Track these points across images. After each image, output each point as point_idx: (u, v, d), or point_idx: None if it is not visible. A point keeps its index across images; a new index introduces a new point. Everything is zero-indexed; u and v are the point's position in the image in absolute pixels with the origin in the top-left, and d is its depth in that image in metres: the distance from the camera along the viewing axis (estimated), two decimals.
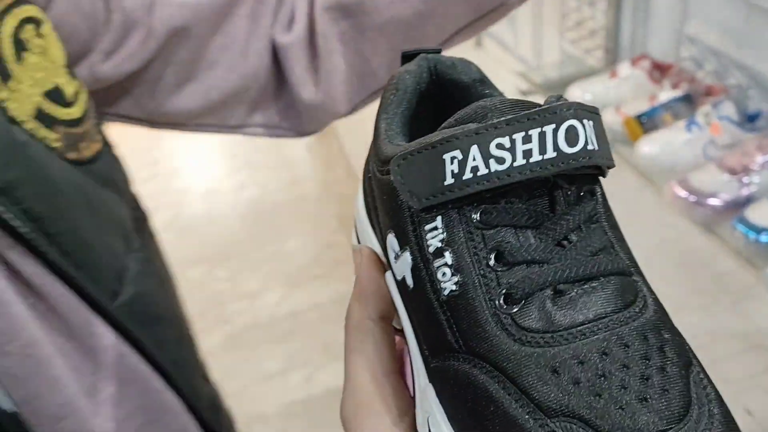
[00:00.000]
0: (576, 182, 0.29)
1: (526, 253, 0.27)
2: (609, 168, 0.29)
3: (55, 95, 0.48)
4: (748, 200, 1.08)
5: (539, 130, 0.27)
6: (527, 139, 0.27)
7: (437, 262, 0.29)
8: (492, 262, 0.28)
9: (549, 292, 0.27)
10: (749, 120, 1.19)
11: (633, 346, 0.26)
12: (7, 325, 0.41)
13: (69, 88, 0.49)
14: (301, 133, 0.66)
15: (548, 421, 0.25)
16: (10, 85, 0.44)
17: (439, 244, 0.29)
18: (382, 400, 0.31)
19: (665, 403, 0.25)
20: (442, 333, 0.29)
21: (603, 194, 0.30)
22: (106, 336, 0.48)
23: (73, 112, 0.49)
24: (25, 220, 0.43)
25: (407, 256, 0.30)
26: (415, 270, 0.30)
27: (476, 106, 0.29)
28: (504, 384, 0.26)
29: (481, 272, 0.28)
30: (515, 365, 0.26)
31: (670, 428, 0.24)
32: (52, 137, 0.47)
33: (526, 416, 0.25)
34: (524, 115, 0.27)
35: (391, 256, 0.32)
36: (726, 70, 1.28)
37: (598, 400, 0.25)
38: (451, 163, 0.27)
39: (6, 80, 0.44)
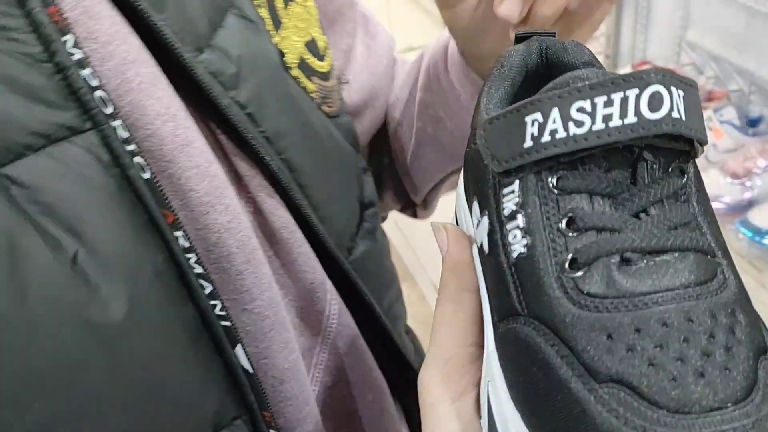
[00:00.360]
0: (663, 156, 0.28)
1: (598, 220, 0.27)
2: (701, 144, 0.28)
3: (312, 47, 0.49)
4: (750, 203, 1.09)
5: (622, 94, 0.26)
6: (609, 103, 0.26)
7: (510, 225, 0.29)
8: (563, 227, 0.28)
9: (616, 259, 0.27)
10: (751, 124, 1.19)
11: (698, 321, 0.25)
12: (254, 283, 0.40)
13: (321, 42, 0.51)
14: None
15: (596, 385, 0.25)
16: (281, 32, 0.45)
17: (514, 207, 0.29)
18: (464, 367, 0.32)
19: (724, 381, 0.24)
20: (509, 296, 0.29)
21: (697, 174, 0.29)
22: (333, 301, 0.48)
23: (324, 66, 0.50)
24: (284, 169, 0.43)
25: (486, 221, 0.31)
26: (491, 234, 0.30)
27: (569, 76, 0.29)
28: (559, 347, 0.26)
29: (551, 236, 0.28)
30: (571, 328, 0.26)
31: (726, 407, 0.23)
32: (311, 88, 0.48)
33: (576, 379, 0.25)
34: (609, 80, 0.27)
35: (475, 224, 0.33)
36: (727, 75, 1.28)
37: (650, 369, 0.24)
38: (532, 125, 0.28)
39: (277, 27, 0.45)
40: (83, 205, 0.34)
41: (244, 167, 0.42)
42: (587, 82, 0.27)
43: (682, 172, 0.29)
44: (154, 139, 0.36)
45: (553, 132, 0.27)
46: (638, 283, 0.26)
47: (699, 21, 1.35)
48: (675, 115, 0.27)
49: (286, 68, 0.46)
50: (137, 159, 0.35)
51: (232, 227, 0.39)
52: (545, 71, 0.36)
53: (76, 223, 0.33)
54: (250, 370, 0.40)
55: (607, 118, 0.27)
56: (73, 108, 0.34)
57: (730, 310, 0.26)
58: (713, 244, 0.28)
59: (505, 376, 0.29)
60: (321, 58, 0.50)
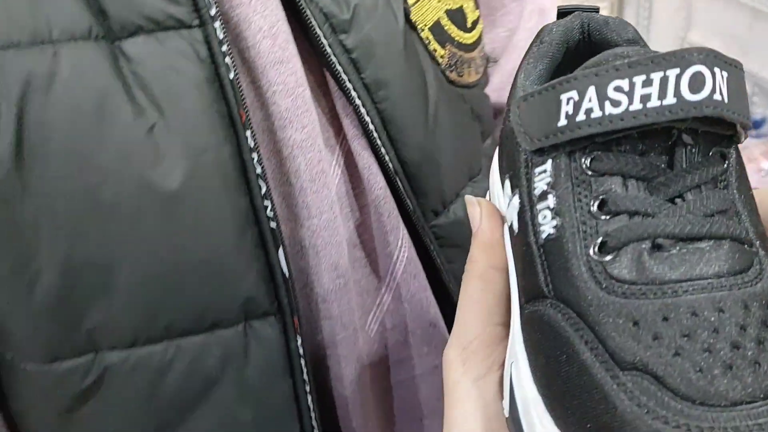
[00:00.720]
0: (703, 140, 0.27)
1: (630, 204, 0.26)
2: (744, 128, 0.27)
3: (457, 16, 0.51)
4: None
5: (662, 74, 0.25)
6: (647, 83, 0.25)
7: (540, 205, 0.29)
8: (594, 209, 0.27)
9: (647, 244, 0.26)
10: (754, 126, 1.16)
11: (730, 312, 0.24)
12: (314, 202, 0.44)
13: (471, 15, 0.52)
14: None
15: (620, 372, 0.24)
16: None
17: (545, 187, 0.28)
18: (489, 347, 0.32)
19: (753, 375, 0.23)
20: (536, 277, 0.28)
21: (738, 160, 0.28)
22: (404, 248, 0.49)
23: (467, 38, 0.52)
24: (377, 117, 0.45)
25: (516, 200, 0.30)
26: (520, 213, 0.30)
27: (609, 53, 0.28)
28: (583, 332, 0.26)
29: (582, 218, 0.27)
30: (597, 313, 0.25)
31: (755, 401, 0.23)
32: (440, 52, 0.50)
33: (599, 366, 0.24)
34: (648, 58, 0.26)
35: (506, 202, 0.32)
36: None
37: (676, 359, 0.23)
38: (567, 103, 0.27)
39: None
40: (172, 87, 0.39)
41: (342, 106, 0.46)
42: (626, 60, 0.26)
43: (723, 158, 0.28)
44: (252, 51, 0.41)
45: (589, 111, 0.27)
46: (669, 271, 0.25)
47: (701, 22, 1.32)
48: (717, 97, 0.25)
49: (413, 26, 0.48)
50: (227, 59, 0.39)
51: (305, 146, 0.43)
52: (587, 48, 0.35)
53: (162, 100, 0.39)
54: (287, 275, 0.43)
55: (645, 99, 0.26)
56: (187, 4, 0.39)
57: (764, 302, 0.25)
58: (751, 234, 0.27)
59: (529, 359, 0.28)
60: (466, 30, 0.52)
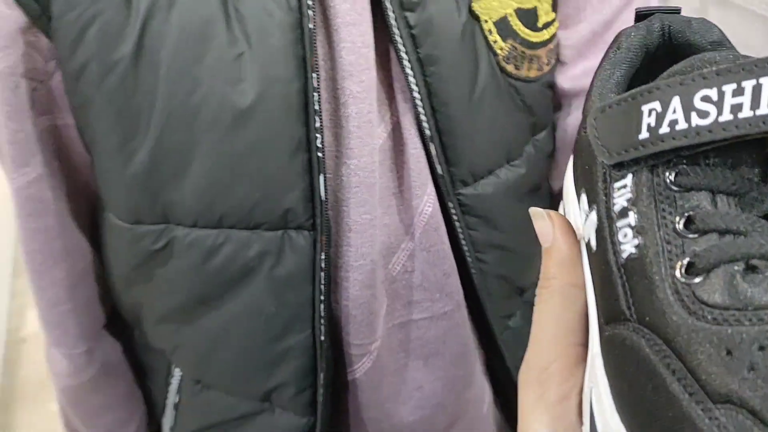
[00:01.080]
0: None
1: (720, 221, 0.25)
2: None
3: (527, 16, 0.55)
4: None
5: (754, 81, 0.23)
6: (738, 92, 0.24)
7: (620, 222, 0.27)
8: (680, 227, 0.25)
9: (740, 266, 0.24)
10: None
11: None
12: (357, 145, 0.51)
13: (544, 17, 0.57)
14: None
15: (713, 406, 0.22)
16: None
17: (625, 204, 0.27)
18: (568, 370, 0.30)
19: None
20: (616, 299, 0.27)
21: None
22: (429, 202, 0.56)
23: (533, 36, 0.56)
24: (423, 88, 0.52)
25: (594, 216, 0.29)
26: (599, 230, 0.28)
27: (694, 59, 0.26)
28: (670, 360, 0.24)
29: (666, 237, 0.25)
30: (686, 341, 0.24)
31: None
32: (500, 45, 0.54)
33: (689, 398, 0.23)
34: (739, 65, 0.24)
35: (582, 217, 0.31)
36: None
37: None
38: (649, 115, 0.25)
39: None
40: (263, 26, 0.47)
41: (396, 73, 0.52)
42: (714, 68, 0.25)
43: None
44: (332, 10, 0.48)
45: (673, 123, 0.25)
46: (765, 295, 0.23)
47: None
48: None
49: (476, 17, 0.53)
50: (310, 12, 0.47)
51: (359, 97, 0.50)
52: (668, 51, 0.33)
53: (252, 35, 0.47)
54: (323, 198, 0.51)
55: (735, 109, 0.24)
56: None
57: None
58: None
59: (610, 384, 0.27)
60: (535, 29, 0.56)
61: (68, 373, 0.61)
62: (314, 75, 0.48)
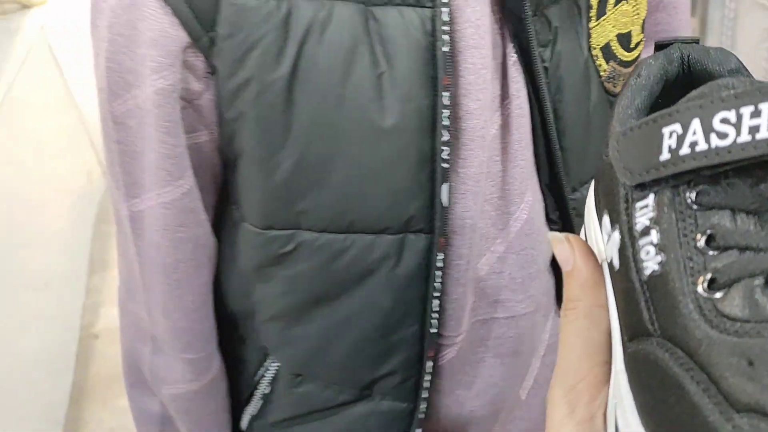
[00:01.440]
0: None
1: (741, 238, 0.25)
2: None
3: (624, 39, 0.62)
4: None
5: None
6: (756, 114, 0.25)
7: (642, 241, 0.28)
8: (701, 245, 0.26)
9: (760, 281, 0.25)
10: None
11: None
12: (472, 153, 0.55)
13: (635, 38, 0.64)
14: None
15: (735, 415, 0.23)
16: (600, 20, 0.60)
17: (647, 222, 0.28)
18: (595, 388, 0.31)
19: None
20: (640, 315, 0.28)
21: None
22: (524, 210, 0.61)
23: (628, 56, 0.64)
24: (551, 115, 0.58)
25: (616, 236, 0.30)
26: (621, 249, 0.29)
27: (712, 84, 0.27)
28: (694, 372, 0.25)
29: (688, 254, 0.26)
30: (709, 352, 0.24)
31: None
32: (605, 67, 0.62)
33: (712, 407, 0.23)
34: (756, 88, 0.25)
35: (605, 238, 0.31)
36: None
37: None
38: (669, 137, 0.26)
39: (600, 17, 0.60)
40: (401, 48, 0.51)
41: (514, 90, 0.57)
42: (732, 91, 0.26)
43: None
44: (458, 34, 0.52)
45: (693, 144, 0.26)
46: None
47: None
48: None
49: (589, 46, 0.60)
50: (445, 36, 0.51)
51: (474, 114, 0.53)
52: (687, 80, 0.34)
53: (392, 56, 0.51)
54: (446, 204, 0.54)
55: (753, 130, 0.25)
56: None
57: None
58: None
59: (635, 399, 0.27)
60: (629, 50, 0.63)
61: (189, 379, 0.63)
62: (445, 94, 0.52)
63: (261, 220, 0.56)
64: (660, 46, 0.35)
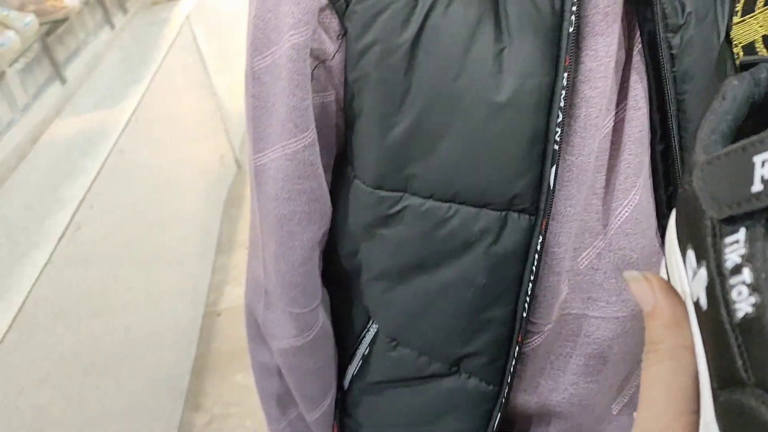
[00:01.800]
0: None
1: None
2: None
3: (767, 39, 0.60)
4: None
5: None
6: None
7: (733, 280, 0.25)
8: None
9: None
10: None
11: None
12: (584, 138, 0.55)
13: None
14: None
15: None
16: (747, 17, 0.59)
17: (738, 260, 0.25)
18: None
19: None
20: (731, 361, 0.25)
21: None
22: (626, 209, 0.59)
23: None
24: (674, 108, 0.55)
25: (703, 273, 0.27)
26: (709, 288, 0.26)
27: None
28: None
29: None
30: None
31: None
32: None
33: None
34: None
35: (690, 275, 0.29)
36: None
37: None
38: (762, 166, 0.24)
39: (746, 13, 0.59)
40: (527, 25, 0.51)
41: (635, 81, 0.56)
42: None
43: None
44: (585, 19, 0.52)
45: None
46: None
47: None
48: None
49: (729, 42, 0.58)
50: (572, 17, 0.50)
51: (591, 102, 0.53)
52: None
53: (515, 33, 0.51)
54: (552, 187, 0.54)
55: None
56: None
57: None
58: None
59: None
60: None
61: (294, 334, 0.66)
62: (565, 74, 0.51)
63: (372, 179, 0.58)
64: (744, 66, 0.32)
